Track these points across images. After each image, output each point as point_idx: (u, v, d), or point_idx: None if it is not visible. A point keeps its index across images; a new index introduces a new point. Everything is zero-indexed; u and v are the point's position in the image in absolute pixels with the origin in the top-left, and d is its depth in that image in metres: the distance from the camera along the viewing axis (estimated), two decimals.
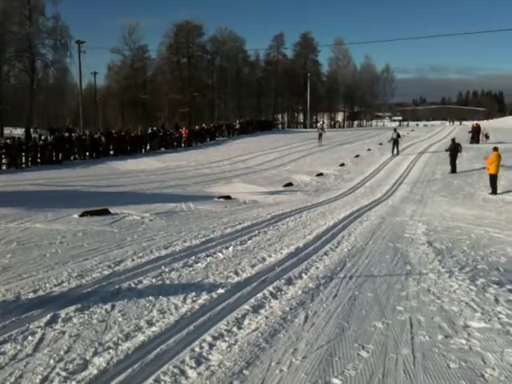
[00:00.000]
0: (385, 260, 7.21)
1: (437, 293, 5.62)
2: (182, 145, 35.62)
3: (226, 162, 25.91)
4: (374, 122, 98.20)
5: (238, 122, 48.25)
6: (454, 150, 21.35)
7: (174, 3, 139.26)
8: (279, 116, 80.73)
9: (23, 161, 23.97)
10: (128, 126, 51.20)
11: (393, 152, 27.21)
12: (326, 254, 7.48)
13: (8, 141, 23.73)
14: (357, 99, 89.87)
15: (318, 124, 33.16)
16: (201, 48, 70.45)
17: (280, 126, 70.60)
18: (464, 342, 4.27)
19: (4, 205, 11.52)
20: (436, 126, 66.60)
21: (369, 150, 30.66)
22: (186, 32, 67.39)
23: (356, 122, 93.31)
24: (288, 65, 79.05)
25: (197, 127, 41.31)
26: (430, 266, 6.86)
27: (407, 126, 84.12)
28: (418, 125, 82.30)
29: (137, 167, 23.82)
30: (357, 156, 27.81)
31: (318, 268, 6.60)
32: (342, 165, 24.43)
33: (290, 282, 5.92)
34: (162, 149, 33.63)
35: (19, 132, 46.98)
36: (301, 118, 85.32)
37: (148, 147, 32.95)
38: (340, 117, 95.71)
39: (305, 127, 72.10)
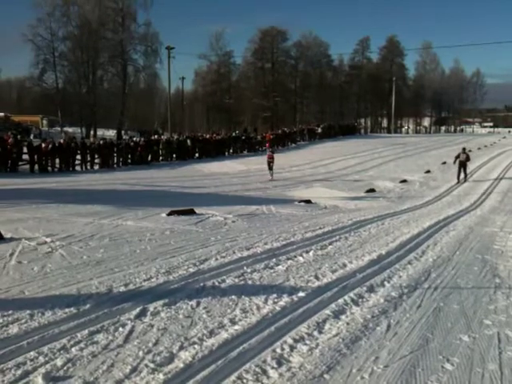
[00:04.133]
0: (472, 272, 6.91)
1: None
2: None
3: (307, 166, 25.89)
4: (462, 128, 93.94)
5: (319, 126, 48.02)
6: None
7: (259, 8, 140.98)
8: (362, 120, 79.48)
9: (115, 161, 25.34)
10: (212, 129, 52.59)
11: (459, 177, 21.26)
12: (409, 262, 7.27)
13: (101, 142, 25.22)
14: (444, 104, 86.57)
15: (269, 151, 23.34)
16: (285, 53, 71.09)
17: (362, 130, 69.47)
18: None
19: (97, 202, 12.23)
20: None
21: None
22: (270, 37, 68.35)
23: (443, 128, 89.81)
24: (373, 69, 77.80)
25: (279, 131, 41.63)
26: None
27: (498, 132, 79.89)
28: (510, 131, 77.83)
29: (220, 169, 24.39)
30: (444, 163, 26.81)
31: (401, 277, 6.44)
32: (428, 172, 23.70)
33: (371, 289, 5.82)
34: (245, 152, 34.25)
35: (111, 134, 49.70)
36: (384, 122, 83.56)
37: (231, 150, 33.68)
38: (426, 122, 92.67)
39: (389, 132, 70.59)
